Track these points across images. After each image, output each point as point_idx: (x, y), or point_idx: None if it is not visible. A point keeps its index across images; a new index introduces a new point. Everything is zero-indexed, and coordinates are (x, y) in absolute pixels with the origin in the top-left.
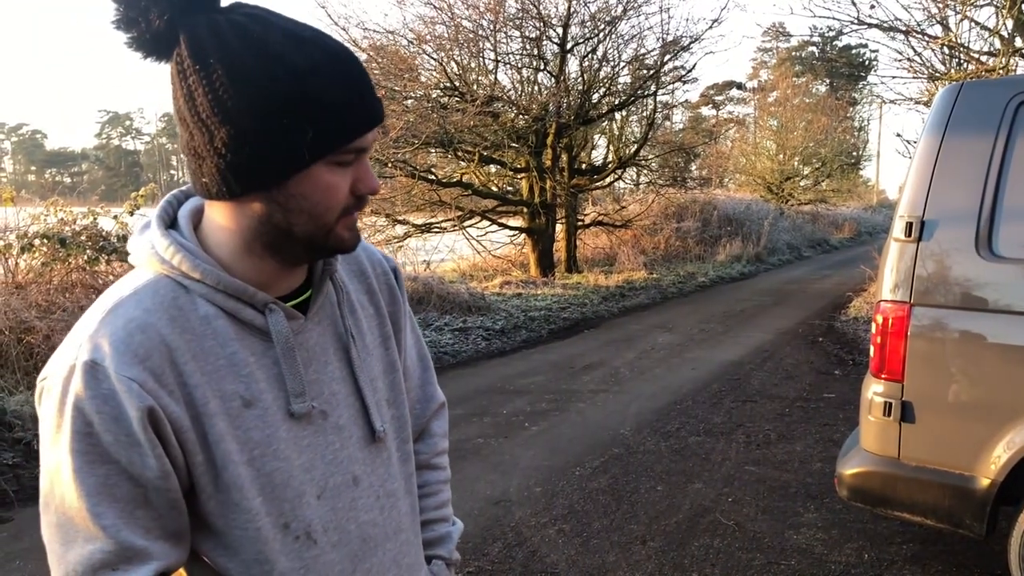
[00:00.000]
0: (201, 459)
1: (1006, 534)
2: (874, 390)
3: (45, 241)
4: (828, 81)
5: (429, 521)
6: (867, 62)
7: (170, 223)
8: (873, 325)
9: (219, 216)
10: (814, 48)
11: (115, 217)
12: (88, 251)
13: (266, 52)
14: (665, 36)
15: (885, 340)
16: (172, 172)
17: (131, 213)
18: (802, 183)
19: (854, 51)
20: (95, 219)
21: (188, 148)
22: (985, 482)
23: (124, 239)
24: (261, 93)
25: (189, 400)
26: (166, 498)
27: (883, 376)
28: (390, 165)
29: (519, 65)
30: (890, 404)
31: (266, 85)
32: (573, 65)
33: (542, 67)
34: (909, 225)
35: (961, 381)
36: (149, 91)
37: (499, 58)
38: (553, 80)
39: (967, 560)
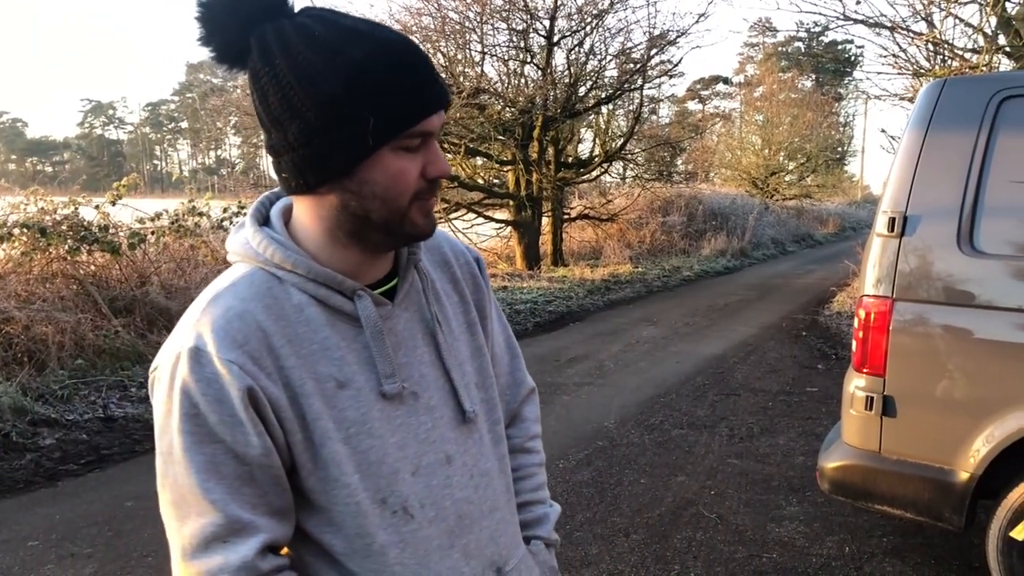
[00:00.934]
0: (300, 437)
1: (984, 527)
2: (856, 384)
3: (25, 231)
4: (814, 76)
5: (526, 503)
6: (853, 58)
7: (263, 221)
8: (856, 320)
9: (303, 210)
10: (800, 44)
11: (97, 207)
12: (69, 241)
13: (325, 47)
14: (652, 30)
15: (867, 335)
16: (156, 162)
17: (113, 203)
18: (787, 178)
19: (840, 47)
20: (76, 209)
21: (268, 147)
22: (964, 476)
23: (106, 229)
24: (323, 86)
25: (286, 382)
26: (270, 475)
27: (865, 370)
28: None
29: (506, 57)
30: (872, 398)
31: (327, 78)
32: (560, 58)
33: (529, 60)
34: (892, 220)
35: (942, 376)
36: (133, 80)
37: (486, 50)
38: (540, 73)
39: (945, 553)
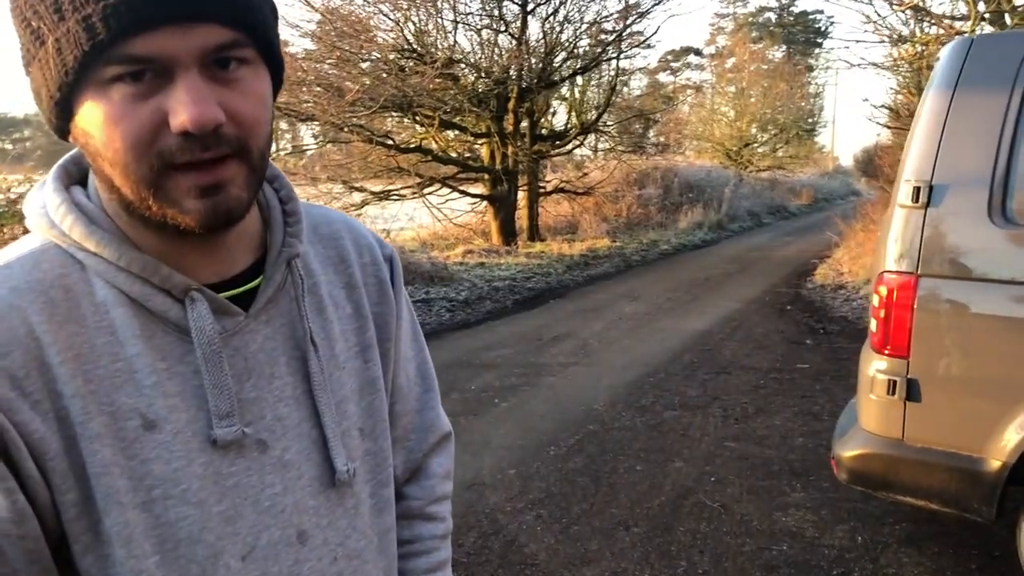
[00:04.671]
0: (74, 497)
1: (1012, 516)
2: (876, 367)
3: None
4: (785, 47)
5: None
6: (823, 28)
7: (79, 179)
8: (875, 297)
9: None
10: (771, 14)
11: None
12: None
13: None
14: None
15: (890, 313)
16: None
17: None
18: (760, 149)
19: (811, 16)
20: (31, 187)
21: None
22: (996, 464)
23: None
24: None
25: (62, 416)
26: (21, 549)
27: (887, 352)
28: (346, 130)
29: (479, 26)
30: (895, 382)
31: None
32: (534, 27)
33: (503, 29)
34: (916, 190)
35: (971, 357)
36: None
37: (458, 18)
38: (514, 42)
39: (964, 540)
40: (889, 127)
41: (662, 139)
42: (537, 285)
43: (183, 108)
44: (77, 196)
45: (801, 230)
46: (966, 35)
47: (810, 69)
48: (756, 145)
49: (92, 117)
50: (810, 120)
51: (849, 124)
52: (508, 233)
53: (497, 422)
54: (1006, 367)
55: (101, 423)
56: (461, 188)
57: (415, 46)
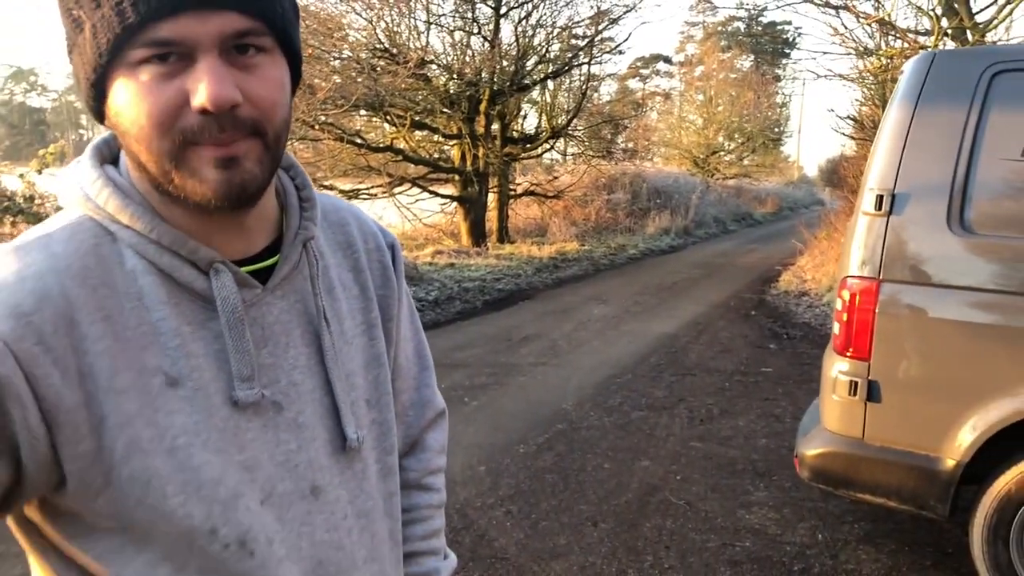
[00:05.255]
0: (87, 448)
1: (968, 514)
2: (839, 368)
3: None
4: (753, 57)
5: (415, 553)
6: (791, 39)
7: (111, 160)
8: (839, 302)
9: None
10: (740, 23)
11: (21, 175)
12: None
13: None
14: (599, 4)
15: (852, 317)
16: (81, 131)
17: (39, 171)
18: (726, 157)
19: (779, 27)
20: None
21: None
22: (951, 463)
23: (31, 199)
24: None
25: (85, 372)
26: None
27: (849, 354)
28: (316, 127)
29: (452, 28)
30: (856, 383)
31: None
32: (507, 30)
33: (475, 31)
34: (880, 198)
35: (930, 360)
36: (56, 46)
37: (431, 19)
38: (487, 45)
39: (919, 538)
40: (854, 138)
41: (631, 145)
42: (507, 286)
43: (203, 87)
44: (111, 173)
45: (766, 238)
46: (929, 50)
47: (777, 79)
48: (723, 153)
49: (122, 96)
50: (776, 130)
51: (815, 134)
52: (478, 234)
53: (467, 420)
54: (962, 370)
55: (127, 378)
56: (431, 189)
57: (387, 45)
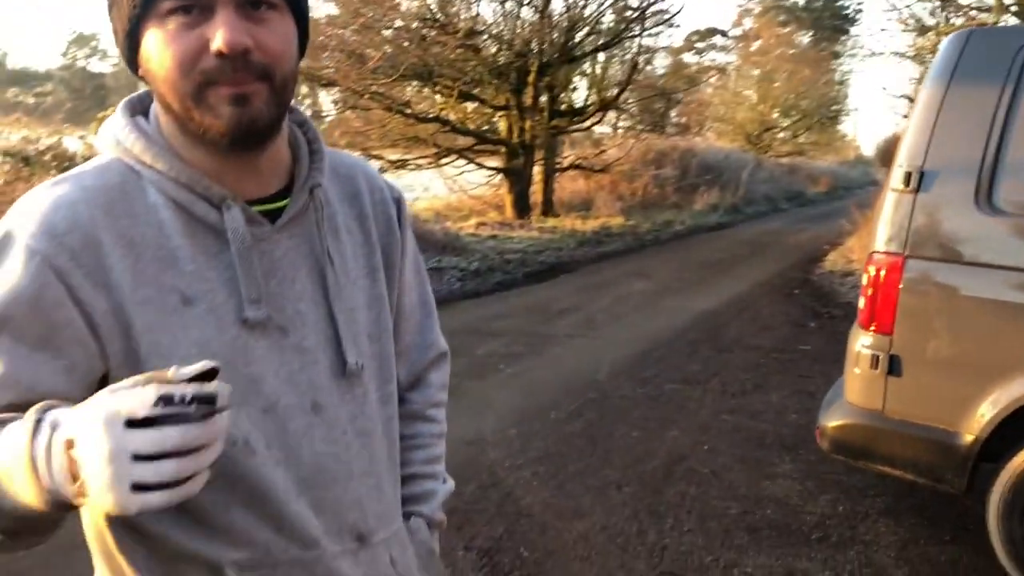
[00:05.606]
0: (117, 348)
1: (983, 490)
2: (862, 343)
3: (8, 158)
4: (812, 32)
5: (414, 475)
6: (851, 15)
7: (142, 112)
8: (864, 277)
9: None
10: None
11: (81, 137)
12: (53, 171)
13: None
14: None
15: (876, 293)
16: None
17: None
18: (781, 135)
19: (839, 3)
20: (60, 139)
21: None
22: (969, 438)
23: (90, 160)
24: None
25: (110, 286)
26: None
27: (872, 329)
28: (366, 97)
29: None
30: (878, 357)
31: None
32: (558, 0)
33: (526, 1)
34: (908, 175)
35: (951, 336)
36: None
37: None
38: (537, 15)
39: (938, 514)
40: (907, 117)
41: (683, 120)
42: (548, 259)
43: (220, 34)
44: (139, 122)
45: (817, 217)
46: (967, 28)
47: (836, 56)
48: (777, 130)
49: (152, 43)
50: (834, 107)
51: (873, 113)
52: (522, 207)
53: (501, 386)
54: (984, 346)
55: (147, 293)
56: (477, 160)
57: (438, 15)
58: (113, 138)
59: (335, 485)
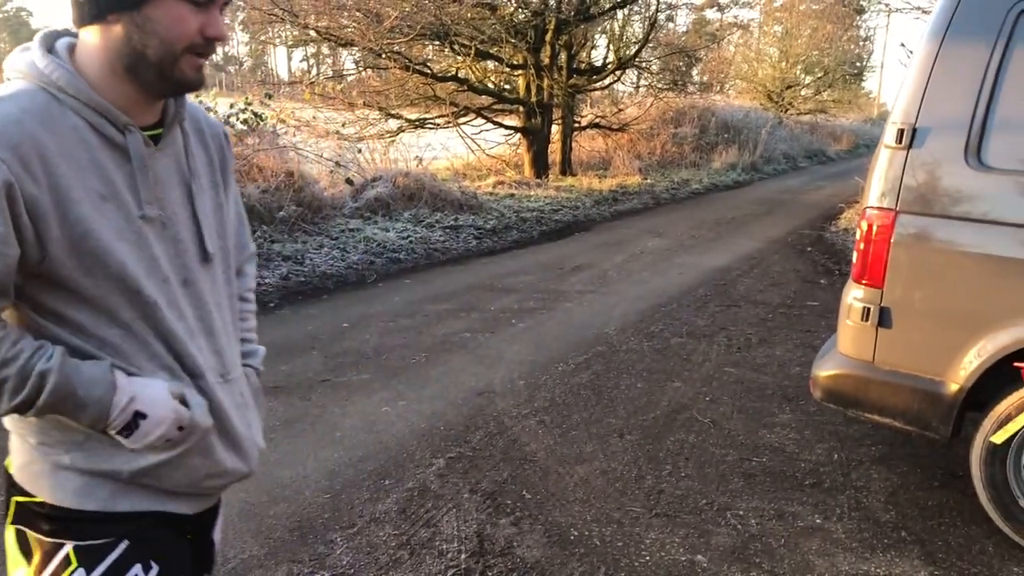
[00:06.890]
0: (58, 233)
1: (969, 438)
2: (854, 295)
3: None
4: None
5: (243, 340)
6: None
7: (48, 48)
8: (858, 231)
9: (91, 40)
10: None
11: None
12: None
13: None
14: None
15: (868, 247)
16: None
17: None
18: (803, 92)
19: None
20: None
21: None
22: (954, 387)
23: None
24: None
25: (54, 187)
26: (3, 264)
27: (864, 282)
28: (384, 56)
29: None
30: (868, 309)
31: None
32: None
33: None
34: (901, 132)
35: (939, 289)
36: None
37: None
38: None
39: (930, 462)
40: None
41: (704, 78)
42: (564, 218)
43: (220, 26)
44: (56, 59)
45: (836, 175)
46: None
47: (860, 11)
48: (799, 87)
49: (173, 12)
50: (858, 64)
51: (899, 71)
52: (540, 166)
53: (512, 340)
54: (970, 299)
55: (79, 193)
56: (496, 119)
57: None
58: (36, 70)
59: (209, 337)
